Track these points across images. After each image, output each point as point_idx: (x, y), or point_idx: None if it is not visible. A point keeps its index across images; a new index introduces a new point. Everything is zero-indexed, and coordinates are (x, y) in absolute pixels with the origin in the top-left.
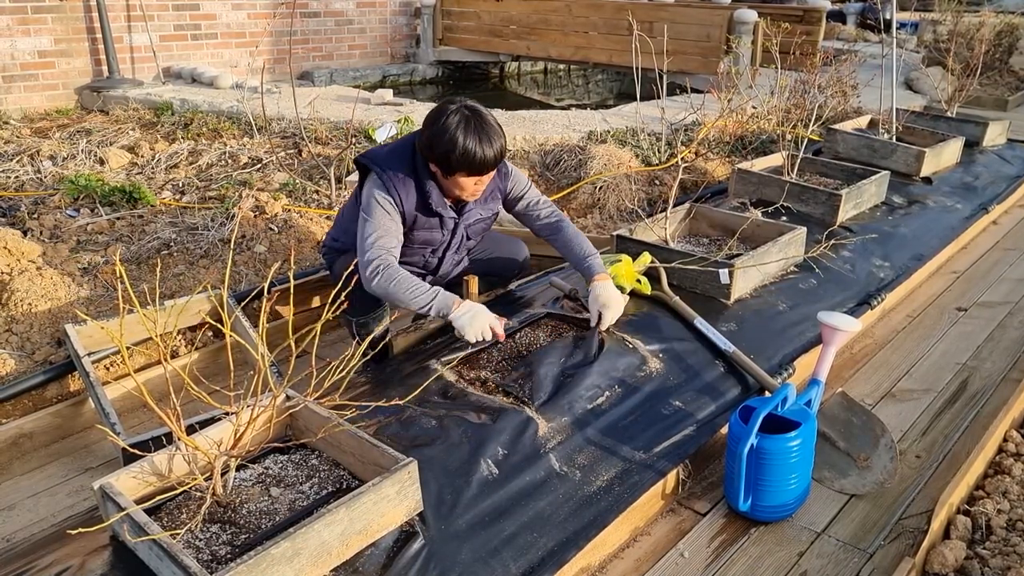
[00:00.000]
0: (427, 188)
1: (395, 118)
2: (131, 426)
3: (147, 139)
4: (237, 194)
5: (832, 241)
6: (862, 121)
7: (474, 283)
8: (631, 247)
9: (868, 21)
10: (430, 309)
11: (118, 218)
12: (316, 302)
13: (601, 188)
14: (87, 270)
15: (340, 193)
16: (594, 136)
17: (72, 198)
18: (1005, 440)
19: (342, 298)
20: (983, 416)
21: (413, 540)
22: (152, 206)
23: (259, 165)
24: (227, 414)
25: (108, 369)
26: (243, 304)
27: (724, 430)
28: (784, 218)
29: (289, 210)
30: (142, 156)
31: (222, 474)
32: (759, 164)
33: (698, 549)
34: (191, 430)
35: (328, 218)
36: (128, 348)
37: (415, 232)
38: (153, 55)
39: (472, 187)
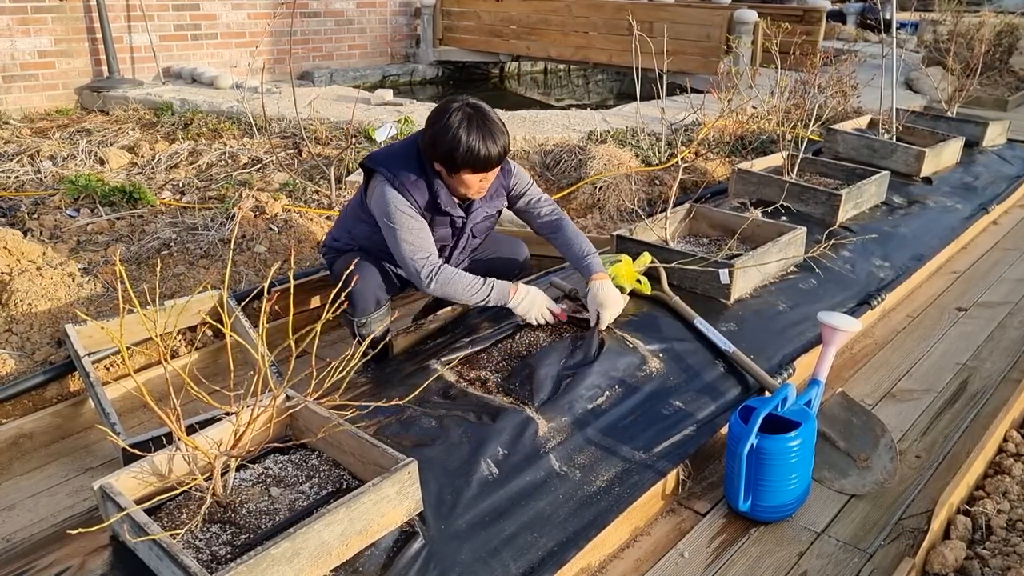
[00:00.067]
0: (436, 188)
1: (395, 118)
2: (131, 426)
3: (147, 139)
4: (237, 194)
5: (832, 241)
6: (862, 121)
7: None
8: (631, 247)
9: (868, 21)
10: (488, 301)
11: (118, 218)
12: (316, 302)
13: (601, 188)
14: (87, 270)
15: (340, 193)
16: (594, 136)
17: (72, 198)
18: (1005, 440)
19: (342, 298)
20: (983, 416)
21: (413, 540)
22: (152, 206)
23: (259, 165)
24: (227, 414)
25: (108, 369)
26: (243, 304)
27: (724, 430)
28: (784, 218)
29: (289, 210)
30: (142, 156)
31: (222, 474)
32: (759, 164)
33: (698, 549)
34: (191, 430)
35: (328, 218)
36: (128, 348)
37: None
38: (153, 55)
39: (477, 185)
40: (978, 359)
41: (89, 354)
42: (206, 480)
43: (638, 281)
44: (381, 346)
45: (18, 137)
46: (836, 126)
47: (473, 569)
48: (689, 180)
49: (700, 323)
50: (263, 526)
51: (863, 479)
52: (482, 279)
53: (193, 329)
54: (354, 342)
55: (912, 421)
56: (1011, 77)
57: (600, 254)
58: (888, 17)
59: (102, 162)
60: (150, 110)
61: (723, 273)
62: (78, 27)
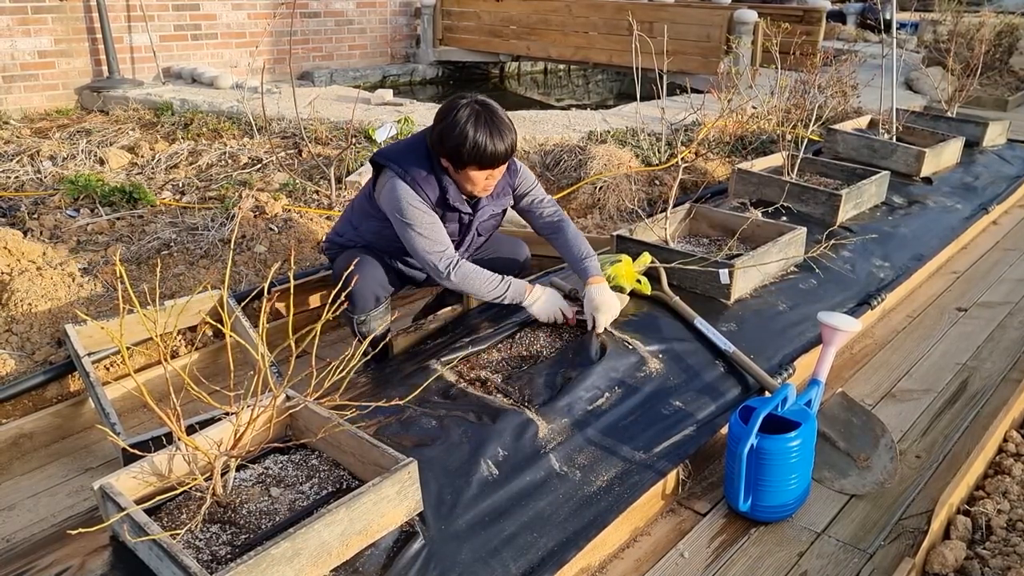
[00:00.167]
0: (445, 184)
1: (395, 118)
2: (131, 426)
3: (147, 139)
4: (237, 194)
5: (832, 241)
6: (862, 121)
7: None
8: (631, 247)
9: (868, 21)
10: (505, 298)
11: (118, 218)
12: (316, 302)
13: (601, 188)
14: (87, 270)
15: (340, 193)
16: (594, 136)
17: (72, 198)
18: (1005, 440)
19: (342, 298)
20: (983, 416)
21: (413, 540)
22: (152, 206)
23: (259, 165)
24: (227, 414)
25: (108, 369)
26: (243, 304)
27: (724, 430)
28: (784, 218)
29: (289, 210)
30: (142, 156)
31: (222, 474)
32: (759, 164)
33: (698, 549)
34: (191, 430)
35: (328, 218)
36: (128, 348)
37: None
38: (153, 55)
39: (483, 181)
40: (978, 359)
41: (89, 354)
42: (206, 480)
43: (638, 281)
44: (381, 346)
45: (18, 137)
46: (836, 126)
47: (473, 569)
48: (689, 180)
49: (700, 323)
50: (263, 526)
51: (863, 479)
52: (500, 276)
53: (193, 329)
54: (354, 342)
55: (912, 421)
56: (1011, 77)
57: (600, 254)
58: (888, 17)
59: (102, 162)
60: (150, 110)
61: (723, 273)
62: (78, 27)
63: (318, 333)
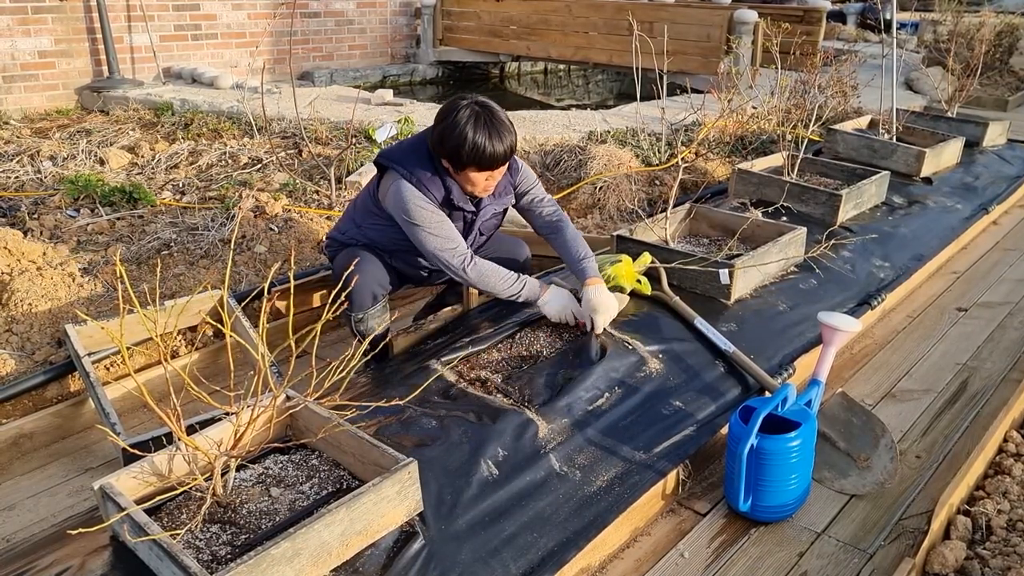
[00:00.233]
0: (448, 184)
1: (395, 118)
2: (131, 426)
3: (147, 139)
4: (237, 194)
5: (832, 241)
6: (862, 121)
7: None
8: (631, 247)
9: (868, 21)
10: (519, 296)
11: (118, 218)
12: (316, 302)
13: (601, 188)
14: (87, 270)
15: (340, 193)
16: (594, 136)
17: (72, 198)
18: (1005, 440)
19: (342, 298)
20: (983, 416)
21: (413, 540)
22: (152, 206)
23: (259, 165)
24: (227, 414)
25: (108, 369)
26: (243, 304)
27: (724, 430)
28: (784, 218)
29: (289, 210)
30: (142, 156)
31: (222, 474)
32: (759, 164)
33: (698, 549)
34: (191, 430)
35: (328, 218)
36: (128, 348)
37: None
38: (153, 55)
39: (483, 182)
40: (978, 359)
41: (89, 354)
42: (206, 480)
43: (638, 281)
44: (381, 346)
45: (18, 137)
46: (836, 126)
47: (473, 569)
48: (689, 180)
49: (700, 323)
50: (263, 526)
51: (863, 479)
52: (516, 274)
53: (193, 329)
54: (354, 342)
55: (912, 421)
56: (1011, 77)
57: (600, 254)
58: (888, 17)
59: (102, 162)
60: (150, 110)
61: (723, 273)
62: (78, 27)
63: (318, 333)
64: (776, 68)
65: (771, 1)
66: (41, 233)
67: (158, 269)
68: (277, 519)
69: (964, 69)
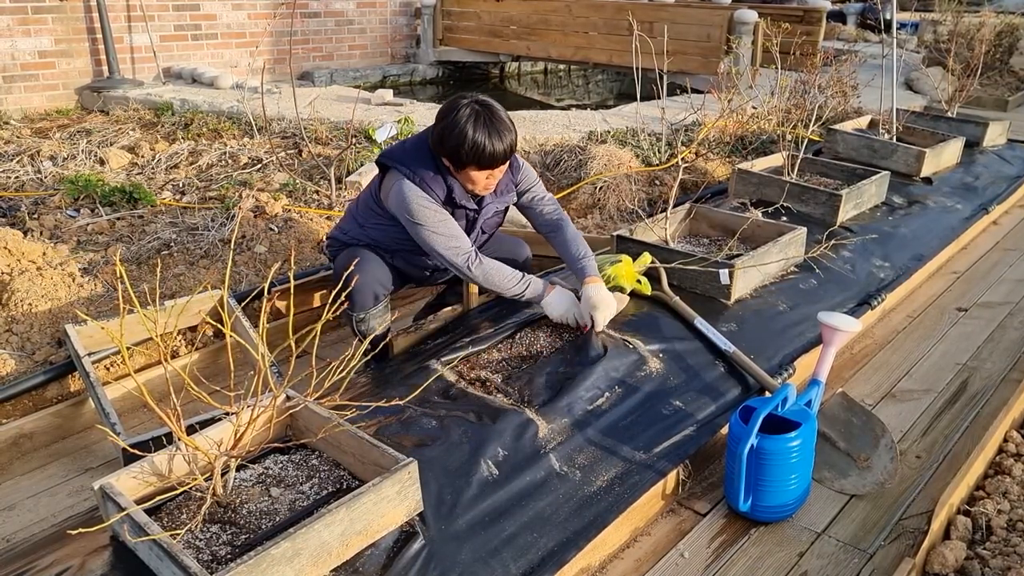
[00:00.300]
0: (450, 183)
1: (395, 118)
2: (131, 426)
3: (147, 139)
4: (237, 194)
5: (832, 241)
6: (862, 121)
7: None
8: (631, 247)
9: (868, 21)
10: (524, 296)
11: (118, 218)
12: (316, 302)
13: (601, 188)
14: (87, 270)
15: (340, 193)
16: (594, 136)
17: (72, 198)
18: (1005, 440)
19: (342, 298)
20: (983, 416)
21: (413, 540)
22: (152, 206)
23: (259, 165)
24: (227, 414)
25: (108, 369)
26: (243, 304)
27: (724, 430)
28: (784, 218)
29: (289, 210)
30: (142, 156)
31: (222, 474)
32: (759, 164)
33: (698, 549)
34: (191, 430)
35: (328, 218)
36: (128, 348)
37: None
38: (153, 55)
39: (484, 181)
40: (978, 359)
41: (89, 354)
42: (206, 480)
43: (638, 281)
44: (381, 346)
45: (18, 137)
46: (836, 126)
47: (473, 569)
48: (689, 180)
49: (700, 323)
50: (263, 526)
51: (863, 479)
52: (520, 273)
53: (193, 329)
54: (355, 342)
55: (912, 421)
56: (1011, 77)
57: (600, 254)
58: (888, 17)
59: (102, 162)
60: (150, 110)
61: (723, 273)
62: (78, 27)
63: (318, 333)
64: (776, 68)
65: (771, 1)
66: (41, 233)
67: (158, 269)
68: (277, 519)
69: (964, 69)
